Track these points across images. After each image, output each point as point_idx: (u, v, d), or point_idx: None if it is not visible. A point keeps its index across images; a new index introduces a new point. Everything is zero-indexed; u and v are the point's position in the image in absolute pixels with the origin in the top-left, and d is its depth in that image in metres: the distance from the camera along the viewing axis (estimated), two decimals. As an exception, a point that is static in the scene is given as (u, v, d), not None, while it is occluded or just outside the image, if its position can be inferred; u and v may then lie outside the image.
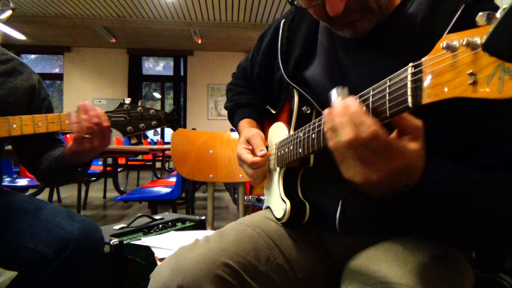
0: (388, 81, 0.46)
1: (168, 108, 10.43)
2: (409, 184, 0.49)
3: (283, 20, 0.87)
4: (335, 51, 0.76)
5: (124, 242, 1.29)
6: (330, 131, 0.50)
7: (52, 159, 1.07)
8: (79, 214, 1.10)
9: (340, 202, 0.72)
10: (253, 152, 0.85)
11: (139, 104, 1.00)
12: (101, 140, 0.95)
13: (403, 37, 0.67)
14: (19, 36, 8.48)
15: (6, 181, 3.01)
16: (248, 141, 0.88)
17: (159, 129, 1.05)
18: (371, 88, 0.49)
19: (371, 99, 0.48)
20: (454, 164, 0.57)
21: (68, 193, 4.87)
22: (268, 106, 1.00)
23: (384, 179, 0.47)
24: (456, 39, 0.36)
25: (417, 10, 0.66)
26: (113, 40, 8.89)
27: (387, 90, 0.45)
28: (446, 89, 0.37)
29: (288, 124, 0.80)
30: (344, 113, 0.47)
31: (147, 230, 1.42)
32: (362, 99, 0.50)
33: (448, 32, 0.58)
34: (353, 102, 0.47)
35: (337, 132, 0.48)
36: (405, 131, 0.48)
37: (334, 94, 0.51)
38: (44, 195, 3.76)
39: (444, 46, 0.37)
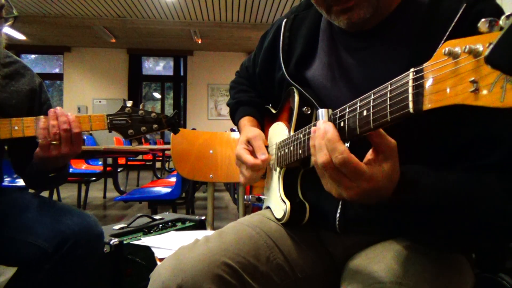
0: (389, 86, 0.45)
1: (168, 108, 10.43)
2: (382, 199, 0.54)
3: (284, 20, 0.87)
4: (336, 50, 0.76)
5: (124, 242, 1.29)
6: (312, 148, 0.55)
7: (30, 165, 1.06)
8: (79, 209, 1.10)
9: (340, 203, 0.72)
10: (253, 153, 0.85)
11: (141, 107, 1.01)
12: (69, 147, 0.93)
13: (404, 36, 0.67)
14: (19, 36, 8.48)
15: (6, 181, 3.01)
16: (248, 142, 0.87)
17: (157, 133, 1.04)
18: (372, 92, 0.49)
19: (371, 103, 0.48)
20: (439, 171, 0.58)
21: (68, 193, 4.87)
22: (268, 106, 1.00)
23: (355, 198, 0.52)
24: (458, 46, 0.36)
25: (418, 9, 0.66)
26: (113, 40, 8.89)
27: (388, 95, 0.45)
28: (447, 96, 0.37)
29: (289, 124, 0.80)
30: (323, 137, 0.52)
31: (147, 230, 1.42)
32: (362, 102, 0.50)
33: (451, 31, 0.58)
34: (331, 128, 0.52)
35: (316, 152, 0.54)
36: (378, 149, 0.51)
37: (321, 114, 0.56)
38: (44, 195, 3.76)
39: (446, 52, 0.37)
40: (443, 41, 0.59)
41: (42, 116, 0.94)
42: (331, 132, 0.52)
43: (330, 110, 0.56)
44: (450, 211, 0.55)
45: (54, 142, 0.91)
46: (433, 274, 0.60)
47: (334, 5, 0.67)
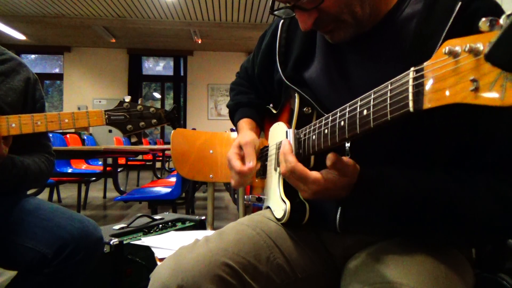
0: (389, 85, 0.46)
1: (168, 108, 10.42)
2: (339, 198, 0.63)
3: (281, 21, 0.87)
4: (333, 51, 0.76)
5: (124, 242, 1.29)
6: (281, 162, 0.66)
7: None
8: (79, 214, 1.10)
9: (340, 203, 0.73)
10: (243, 158, 0.85)
11: (139, 102, 1.00)
12: None
13: (401, 36, 0.67)
14: (19, 36, 8.48)
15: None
16: (241, 147, 0.87)
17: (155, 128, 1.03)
18: (372, 91, 0.49)
19: (372, 103, 0.48)
20: (417, 172, 0.62)
21: (68, 193, 4.87)
22: (269, 106, 1.00)
23: (312, 197, 0.62)
24: (458, 45, 0.36)
25: (413, 9, 0.66)
26: (113, 40, 8.90)
27: (389, 94, 0.45)
28: (447, 95, 0.37)
29: (289, 124, 0.80)
30: (282, 152, 0.66)
31: (147, 230, 1.42)
32: (363, 102, 0.50)
33: (447, 30, 0.58)
34: (286, 144, 0.66)
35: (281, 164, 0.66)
36: (335, 168, 0.58)
37: (287, 133, 0.69)
38: (44, 195, 3.77)
39: (446, 51, 0.37)
40: (441, 40, 0.59)
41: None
42: (286, 147, 0.65)
43: (295, 130, 0.69)
44: (428, 210, 0.59)
45: None
46: (433, 274, 0.60)
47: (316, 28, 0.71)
